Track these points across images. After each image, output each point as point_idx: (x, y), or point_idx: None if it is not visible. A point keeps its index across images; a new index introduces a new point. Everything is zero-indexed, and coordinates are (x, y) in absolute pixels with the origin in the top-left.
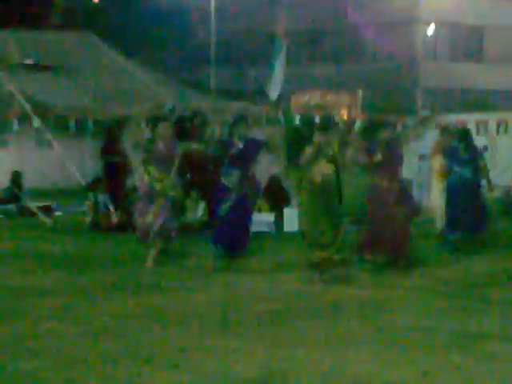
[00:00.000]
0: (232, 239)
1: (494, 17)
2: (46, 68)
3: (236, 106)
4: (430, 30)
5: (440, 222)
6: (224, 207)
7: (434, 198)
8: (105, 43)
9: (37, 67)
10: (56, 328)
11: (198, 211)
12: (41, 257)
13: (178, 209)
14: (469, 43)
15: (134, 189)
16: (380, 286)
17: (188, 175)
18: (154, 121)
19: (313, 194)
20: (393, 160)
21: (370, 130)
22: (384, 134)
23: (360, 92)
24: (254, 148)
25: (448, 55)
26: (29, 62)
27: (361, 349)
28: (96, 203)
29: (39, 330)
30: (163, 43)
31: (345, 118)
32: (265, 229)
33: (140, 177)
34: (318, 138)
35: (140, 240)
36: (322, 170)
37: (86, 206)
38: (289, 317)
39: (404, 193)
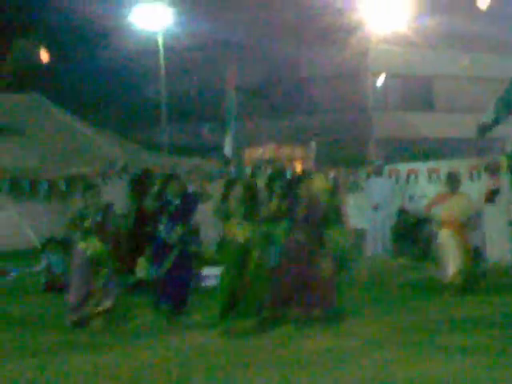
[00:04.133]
0: (174, 297)
1: (442, 67)
2: None
3: (188, 163)
4: (380, 80)
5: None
6: (165, 265)
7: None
8: (54, 103)
9: None
10: None
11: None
12: None
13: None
14: (419, 93)
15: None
16: (335, 336)
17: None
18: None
19: (230, 254)
20: (312, 215)
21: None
22: (303, 191)
23: (313, 144)
24: (191, 202)
25: (399, 105)
26: None
27: None
28: (49, 264)
29: None
30: (114, 102)
31: (297, 170)
32: (214, 282)
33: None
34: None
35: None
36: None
37: (39, 267)
38: (246, 370)
39: (322, 249)
